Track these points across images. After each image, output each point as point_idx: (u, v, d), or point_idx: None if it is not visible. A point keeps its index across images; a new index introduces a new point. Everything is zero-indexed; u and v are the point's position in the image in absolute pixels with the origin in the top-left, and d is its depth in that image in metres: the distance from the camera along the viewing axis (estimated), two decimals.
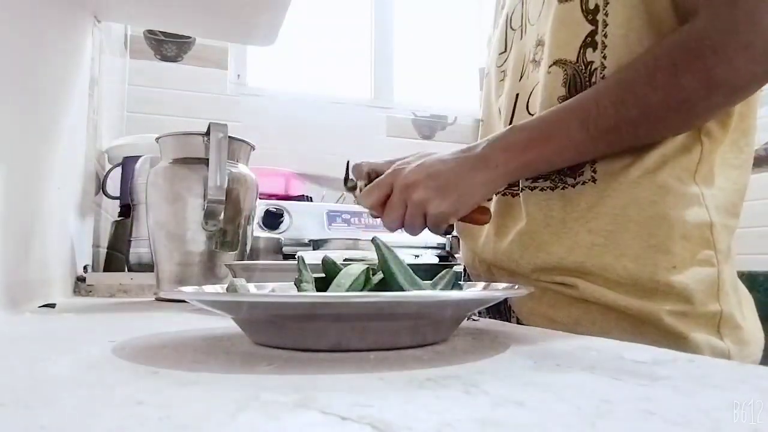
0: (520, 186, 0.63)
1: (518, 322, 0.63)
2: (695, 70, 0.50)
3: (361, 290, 0.39)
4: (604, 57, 0.56)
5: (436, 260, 1.29)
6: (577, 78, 0.58)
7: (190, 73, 1.81)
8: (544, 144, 0.56)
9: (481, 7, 2.28)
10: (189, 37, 1.81)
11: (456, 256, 1.28)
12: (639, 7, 0.55)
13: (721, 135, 0.57)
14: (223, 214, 0.70)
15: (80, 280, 0.89)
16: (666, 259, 0.53)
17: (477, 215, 0.61)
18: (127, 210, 1.11)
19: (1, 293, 0.55)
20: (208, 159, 0.68)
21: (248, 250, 0.78)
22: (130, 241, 0.97)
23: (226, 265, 0.67)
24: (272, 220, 1.24)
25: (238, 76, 1.93)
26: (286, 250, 1.21)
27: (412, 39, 2.21)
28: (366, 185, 0.63)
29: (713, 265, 0.54)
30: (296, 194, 1.48)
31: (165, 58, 1.80)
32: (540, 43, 0.62)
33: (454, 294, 0.38)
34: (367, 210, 0.64)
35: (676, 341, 0.51)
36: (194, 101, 1.79)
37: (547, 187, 0.60)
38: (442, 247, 1.32)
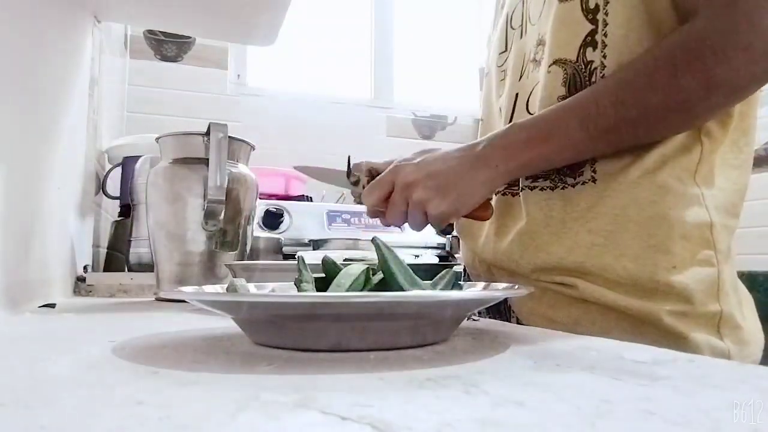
0: (520, 185, 0.63)
1: (518, 322, 0.63)
2: (695, 70, 0.50)
3: (361, 290, 0.39)
4: (604, 56, 0.56)
5: (436, 260, 1.29)
6: (577, 77, 0.58)
7: (190, 73, 1.81)
8: (543, 143, 0.56)
9: (481, 7, 2.28)
10: (189, 37, 1.81)
11: (456, 256, 1.28)
12: (639, 7, 0.55)
13: (721, 135, 0.57)
14: (223, 214, 0.70)
15: (80, 280, 0.89)
16: (666, 259, 0.53)
17: (479, 212, 0.61)
18: (127, 210, 1.11)
19: (1, 293, 0.55)
20: (208, 159, 0.68)
21: (248, 250, 0.78)
22: (130, 241, 0.97)
23: (226, 265, 0.67)
24: (272, 220, 1.24)
25: (238, 76, 1.93)
26: (286, 250, 1.21)
27: (412, 39, 2.21)
28: (368, 182, 0.63)
29: (713, 265, 0.54)
30: (296, 194, 1.48)
31: (165, 58, 1.80)
32: (541, 43, 0.63)
33: (454, 294, 0.38)
34: (365, 208, 0.64)
35: (676, 341, 0.51)
36: (194, 101, 1.79)
37: (547, 187, 0.60)
38: (442, 247, 1.32)
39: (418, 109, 2.11)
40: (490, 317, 0.66)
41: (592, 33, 0.57)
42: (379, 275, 0.40)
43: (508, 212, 0.65)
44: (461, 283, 0.45)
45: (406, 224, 0.62)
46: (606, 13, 0.56)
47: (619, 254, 0.54)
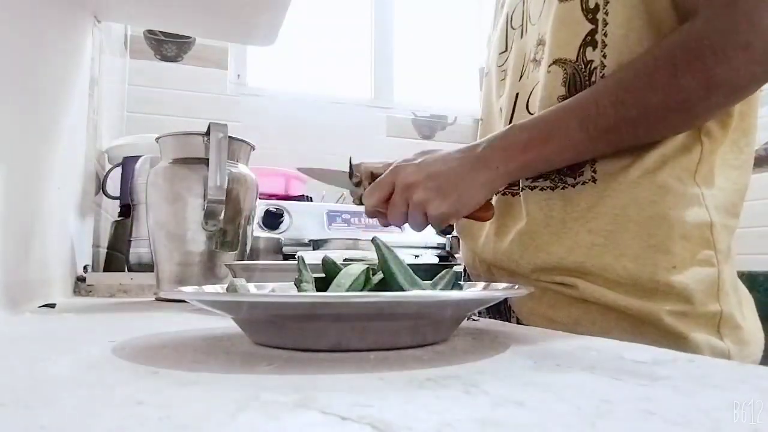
0: (521, 186, 0.63)
1: (518, 322, 0.63)
2: (695, 70, 0.50)
3: (361, 290, 0.39)
4: (604, 56, 0.56)
5: (436, 260, 1.29)
6: (576, 77, 0.58)
7: (190, 73, 1.81)
8: (543, 144, 0.56)
9: (481, 7, 2.28)
10: (189, 37, 1.81)
11: (456, 256, 1.28)
12: (639, 7, 0.55)
13: (721, 135, 0.57)
14: (223, 214, 0.70)
15: (80, 280, 0.89)
16: (666, 259, 0.53)
17: (480, 212, 0.61)
18: (127, 210, 1.11)
19: (1, 293, 0.55)
20: (208, 159, 0.68)
21: (248, 250, 0.78)
22: (130, 241, 0.97)
23: (226, 265, 0.67)
24: (272, 220, 1.24)
25: (238, 76, 1.93)
26: (286, 250, 1.21)
27: (412, 39, 2.21)
28: (369, 183, 0.64)
29: (713, 265, 0.54)
30: (296, 194, 1.48)
31: (165, 58, 1.80)
32: (541, 43, 0.62)
33: (454, 294, 0.38)
34: (364, 209, 0.64)
35: (676, 341, 0.51)
36: (194, 101, 1.79)
37: (547, 187, 0.60)
38: (442, 247, 1.32)
39: (418, 109, 2.11)
40: (490, 317, 0.66)
41: (592, 33, 0.57)
42: (379, 275, 0.40)
43: (508, 212, 0.65)
44: (461, 283, 0.45)
45: (406, 224, 0.62)
46: (606, 13, 0.56)
47: (619, 254, 0.54)
